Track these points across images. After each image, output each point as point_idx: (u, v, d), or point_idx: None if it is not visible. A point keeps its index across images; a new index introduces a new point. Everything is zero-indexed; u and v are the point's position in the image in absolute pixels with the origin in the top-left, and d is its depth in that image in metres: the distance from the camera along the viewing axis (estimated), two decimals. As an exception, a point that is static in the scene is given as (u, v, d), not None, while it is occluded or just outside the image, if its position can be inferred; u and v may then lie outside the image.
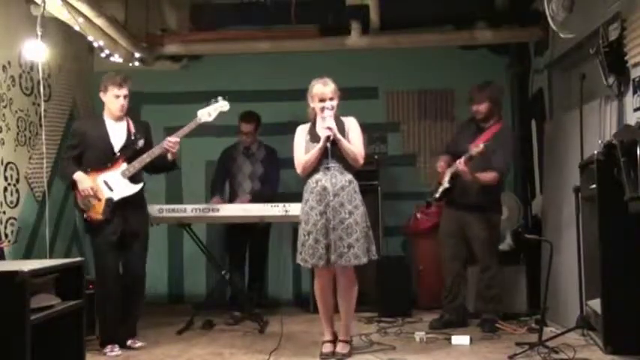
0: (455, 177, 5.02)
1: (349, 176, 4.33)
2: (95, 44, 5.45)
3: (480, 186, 4.98)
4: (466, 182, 4.99)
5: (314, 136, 4.35)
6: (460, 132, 5.44)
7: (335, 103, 4.34)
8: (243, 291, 5.74)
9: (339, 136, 4.25)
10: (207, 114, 4.68)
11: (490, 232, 5.10)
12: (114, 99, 4.56)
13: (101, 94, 4.62)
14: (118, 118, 4.63)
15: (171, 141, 4.53)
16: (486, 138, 4.99)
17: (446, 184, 5.06)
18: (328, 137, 4.21)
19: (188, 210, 5.19)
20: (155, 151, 4.56)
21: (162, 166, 4.71)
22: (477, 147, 4.76)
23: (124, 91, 4.57)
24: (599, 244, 4.06)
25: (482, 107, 5.11)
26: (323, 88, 4.34)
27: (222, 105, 4.72)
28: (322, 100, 4.32)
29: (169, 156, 4.61)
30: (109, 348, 4.46)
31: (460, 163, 4.85)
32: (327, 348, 4.35)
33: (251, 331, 5.15)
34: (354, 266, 4.28)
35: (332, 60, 6.32)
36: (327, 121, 4.24)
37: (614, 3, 4.47)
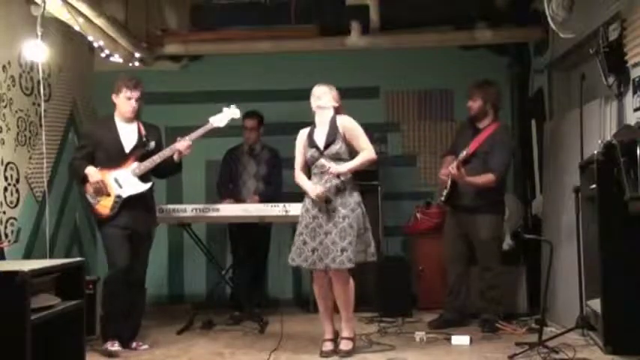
0: (453, 180, 5.05)
1: (344, 179, 4.35)
2: (95, 44, 5.45)
3: (478, 188, 5.00)
4: (464, 184, 5.01)
5: (311, 141, 4.43)
6: (459, 133, 5.46)
7: (321, 102, 4.39)
8: (243, 291, 5.75)
9: (340, 170, 4.29)
10: (219, 120, 4.75)
11: (491, 233, 5.10)
12: (126, 101, 4.62)
13: (113, 96, 4.67)
14: (129, 120, 4.68)
15: (184, 145, 4.60)
16: (482, 139, 5.03)
17: (449, 188, 5.10)
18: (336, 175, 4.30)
19: (188, 210, 5.19)
20: (166, 152, 4.62)
21: (169, 168, 4.74)
22: (460, 160, 4.82)
23: (136, 94, 4.63)
24: (599, 244, 4.06)
25: (475, 104, 5.15)
26: (313, 90, 4.41)
27: (233, 112, 4.80)
28: (311, 99, 4.42)
29: (175, 156, 4.64)
30: (109, 343, 4.47)
31: (453, 168, 4.88)
32: (327, 346, 4.38)
33: (251, 331, 5.15)
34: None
35: (332, 60, 6.32)
36: (331, 170, 4.29)
37: (614, 3, 4.47)
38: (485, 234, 5.08)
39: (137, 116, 4.73)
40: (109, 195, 4.54)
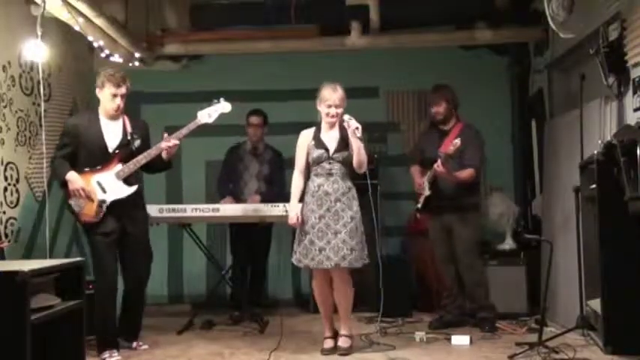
0: (433, 182, 5.06)
1: (349, 183, 4.42)
2: (95, 44, 5.45)
3: (456, 187, 5.02)
4: (443, 186, 5.04)
5: (319, 142, 4.43)
6: (423, 140, 5.45)
7: (340, 110, 4.39)
8: (243, 291, 5.75)
9: (358, 126, 4.27)
10: (207, 115, 4.51)
11: (471, 232, 5.12)
12: (110, 97, 4.35)
13: (97, 91, 4.41)
14: (114, 117, 4.44)
15: (170, 145, 4.40)
16: (453, 139, 5.03)
17: (427, 192, 5.10)
18: (357, 128, 4.26)
19: (188, 210, 5.17)
20: (152, 152, 4.42)
21: (157, 166, 4.58)
22: (453, 144, 4.77)
23: (122, 90, 4.36)
24: (599, 244, 4.07)
25: (440, 108, 5.18)
26: (331, 94, 4.38)
27: (223, 106, 4.55)
28: (329, 107, 4.38)
29: (164, 155, 4.46)
30: (107, 354, 4.33)
31: (439, 166, 4.87)
32: (328, 344, 4.44)
33: (251, 331, 5.15)
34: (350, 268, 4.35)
35: (332, 60, 6.32)
36: (352, 123, 4.27)
37: (614, 3, 4.47)
38: (465, 233, 5.10)
39: (123, 112, 4.49)
40: (92, 201, 4.33)
